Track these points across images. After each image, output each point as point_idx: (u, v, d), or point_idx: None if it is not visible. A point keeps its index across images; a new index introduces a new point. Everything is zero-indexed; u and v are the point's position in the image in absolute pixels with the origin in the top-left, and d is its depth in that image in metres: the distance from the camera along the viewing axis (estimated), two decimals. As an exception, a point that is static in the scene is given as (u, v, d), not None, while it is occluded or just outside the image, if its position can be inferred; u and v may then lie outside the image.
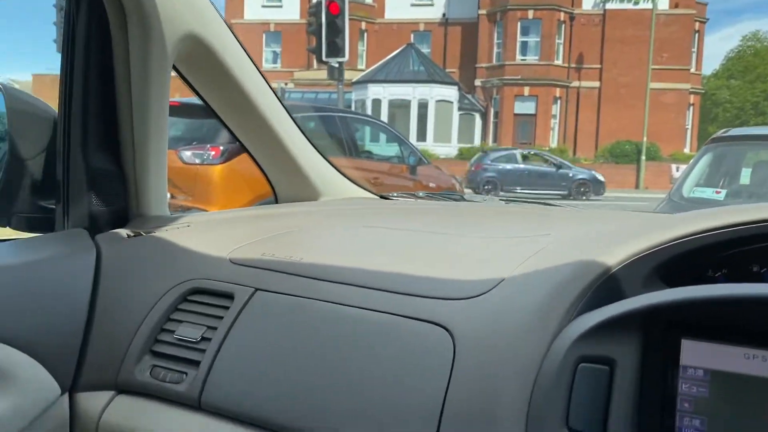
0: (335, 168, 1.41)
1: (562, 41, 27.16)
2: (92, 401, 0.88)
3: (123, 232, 1.03)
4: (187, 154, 5.15)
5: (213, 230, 1.07)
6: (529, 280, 0.74)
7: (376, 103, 25.11)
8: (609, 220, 1.05)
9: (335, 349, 0.78)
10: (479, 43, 27.84)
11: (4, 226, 1.06)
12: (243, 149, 1.30)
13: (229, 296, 0.89)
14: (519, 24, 26.62)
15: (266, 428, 0.78)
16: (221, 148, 5.16)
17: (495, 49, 27.52)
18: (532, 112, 26.90)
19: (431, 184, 6.96)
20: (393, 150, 7.63)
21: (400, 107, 25.22)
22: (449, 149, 24.48)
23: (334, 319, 0.80)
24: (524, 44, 26.99)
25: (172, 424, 0.83)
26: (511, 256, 0.83)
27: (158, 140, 1.08)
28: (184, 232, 1.04)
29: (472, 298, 0.76)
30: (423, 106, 25.46)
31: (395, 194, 1.52)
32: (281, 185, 1.36)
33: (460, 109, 26.59)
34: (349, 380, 0.75)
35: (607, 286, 0.70)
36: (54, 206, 1.06)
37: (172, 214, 1.13)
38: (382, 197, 1.48)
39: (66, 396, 0.89)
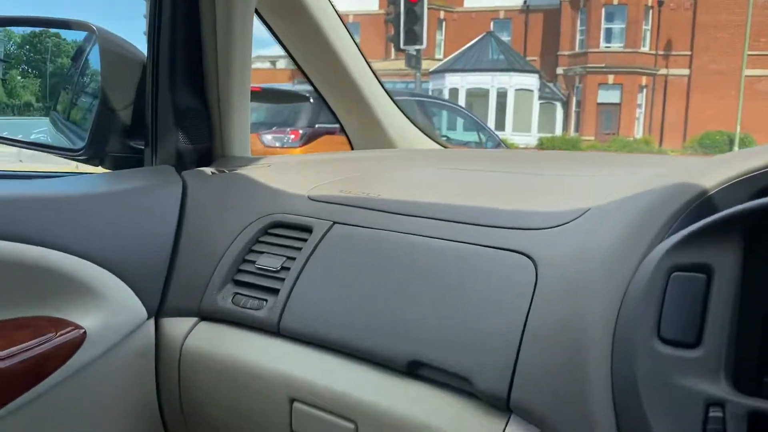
0: (410, 120, 1.40)
1: (649, 27, 26.10)
2: (176, 326, 0.91)
3: (207, 170, 1.06)
4: (267, 137, 5.28)
5: (293, 170, 1.08)
6: (618, 206, 0.70)
7: (453, 92, 24.92)
8: (677, 160, 0.99)
9: (413, 277, 0.77)
10: (561, 30, 27.14)
11: (97, 166, 1.11)
12: (320, 99, 1.30)
13: (308, 229, 0.90)
14: (603, 10, 25.75)
15: (343, 351, 0.78)
16: (300, 132, 5.26)
17: (578, 36, 26.76)
18: (617, 101, 26.02)
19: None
20: (471, 136, 7.56)
21: (478, 96, 24.94)
22: (529, 139, 24.02)
23: (412, 250, 0.80)
24: (609, 31, 26.12)
25: (251, 348, 0.85)
26: (595, 188, 0.80)
27: (241, 83, 1.10)
28: (266, 171, 1.05)
29: (556, 227, 0.74)
30: (502, 96, 25.09)
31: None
32: (357, 134, 1.36)
33: (540, 98, 26.05)
34: (427, 306, 0.74)
35: (702, 209, 0.65)
36: (143, 146, 1.10)
37: (253, 156, 1.15)
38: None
39: (152, 321, 0.92)
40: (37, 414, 0.79)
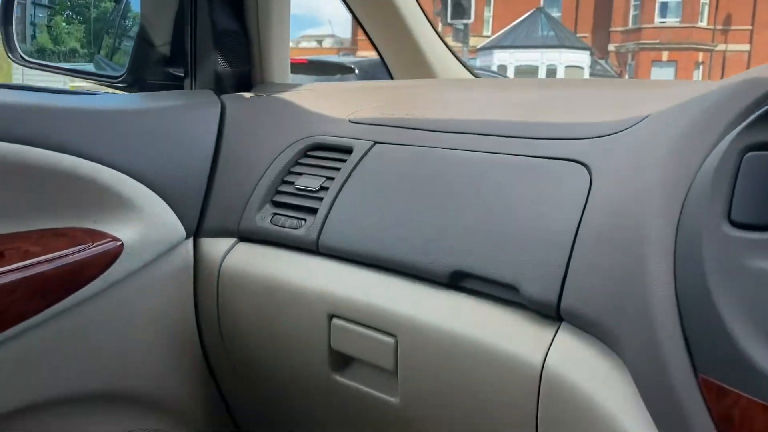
0: (452, 52, 1.35)
1: (707, 1, 25.12)
2: (215, 246, 0.90)
3: (247, 94, 1.04)
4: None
5: (334, 96, 1.05)
6: (680, 110, 0.65)
7: (502, 69, 24.50)
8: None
9: (457, 190, 0.73)
10: (614, 5, 26.35)
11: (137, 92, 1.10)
12: (360, 29, 1.26)
13: (348, 150, 0.87)
14: (659, -17, 24.90)
15: (383, 266, 0.75)
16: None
17: (631, 12, 25.97)
18: (671, 78, 25.20)
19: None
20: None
21: (526, 73, 24.47)
22: (578, 117, 23.44)
23: (457, 164, 0.76)
24: (664, 5, 25.27)
25: (290, 266, 0.82)
26: (650, 99, 0.74)
27: (280, 7, 1.07)
28: (306, 95, 1.02)
29: (612, 135, 0.69)
30: (552, 72, 24.56)
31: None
32: (398, 64, 1.32)
33: (591, 75, 25.41)
34: (471, 217, 0.70)
35: None
36: (182, 74, 1.08)
37: (294, 83, 1.12)
38: None
39: (191, 240, 0.90)
40: (76, 322, 0.78)
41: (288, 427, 0.96)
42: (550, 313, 0.62)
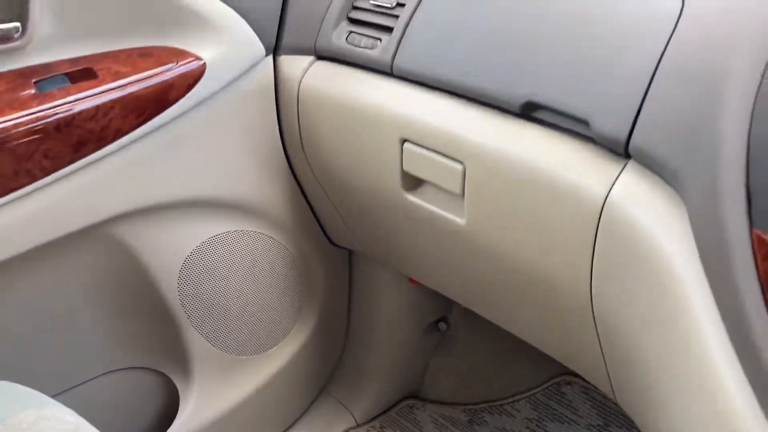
0: None
1: None
2: (293, 64, 0.91)
3: None
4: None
5: None
6: None
7: None
8: None
9: (537, 16, 0.70)
10: None
11: None
12: None
13: None
14: None
15: (455, 93, 0.75)
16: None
17: None
18: None
19: None
20: None
21: None
22: None
23: None
24: None
25: (365, 87, 0.84)
26: None
27: None
28: None
29: None
30: None
31: None
32: None
33: None
34: (550, 44, 0.68)
35: None
36: None
37: None
38: None
39: (270, 58, 0.92)
40: (168, 137, 0.84)
41: (370, 243, 1.04)
42: (619, 149, 0.61)
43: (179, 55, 0.82)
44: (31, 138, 0.72)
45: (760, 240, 0.45)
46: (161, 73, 0.80)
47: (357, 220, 1.00)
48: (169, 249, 0.93)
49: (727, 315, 0.48)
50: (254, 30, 0.88)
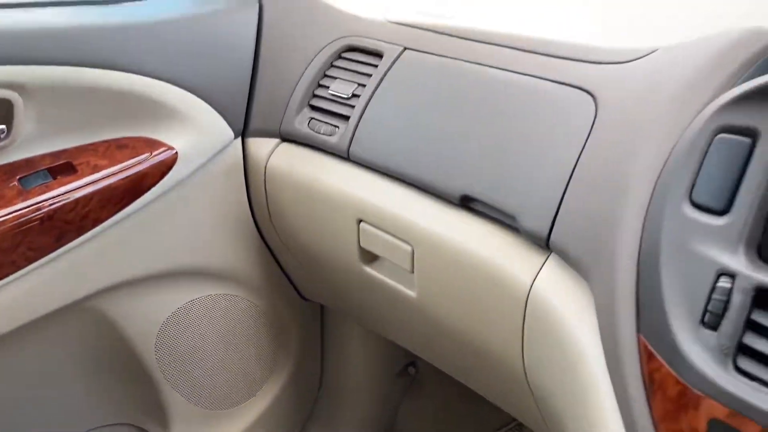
0: None
1: None
2: (261, 146, 0.98)
3: None
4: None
5: None
6: (686, 49, 0.65)
7: None
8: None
9: (475, 111, 0.77)
10: None
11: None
12: None
13: (379, 55, 0.90)
14: None
15: (403, 180, 0.83)
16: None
17: None
18: None
19: None
20: None
21: None
22: None
23: (477, 81, 0.79)
24: None
25: (325, 170, 0.91)
26: (665, 24, 0.74)
27: None
28: None
29: (623, 63, 0.70)
30: None
31: None
32: None
33: None
34: (484, 141, 0.75)
35: None
36: None
37: None
38: None
39: (239, 140, 0.99)
40: (144, 219, 0.91)
41: (336, 301, 1.11)
42: (541, 243, 0.69)
43: (153, 145, 0.89)
44: (15, 232, 0.79)
45: (643, 344, 0.52)
46: (136, 164, 0.87)
47: (321, 281, 1.07)
48: (147, 317, 1.00)
49: (621, 406, 0.55)
50: (223, 116, 0.95)
